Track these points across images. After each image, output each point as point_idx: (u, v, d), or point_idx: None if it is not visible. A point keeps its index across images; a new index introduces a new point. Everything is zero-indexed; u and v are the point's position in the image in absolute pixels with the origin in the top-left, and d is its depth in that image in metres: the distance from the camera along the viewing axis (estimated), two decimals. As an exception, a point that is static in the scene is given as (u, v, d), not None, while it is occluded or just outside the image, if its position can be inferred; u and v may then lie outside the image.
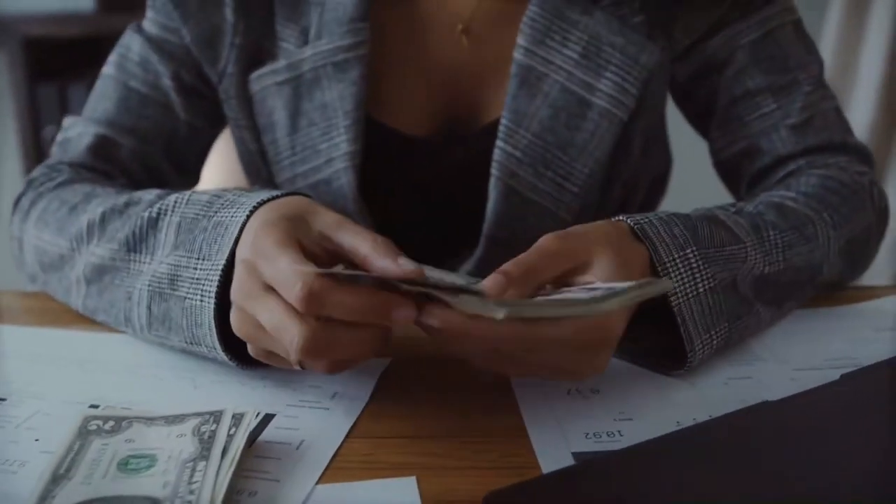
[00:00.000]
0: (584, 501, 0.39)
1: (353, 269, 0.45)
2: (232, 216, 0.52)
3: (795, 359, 0.56)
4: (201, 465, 0.41)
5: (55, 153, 0.76)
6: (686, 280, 0.52)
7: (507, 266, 0.46)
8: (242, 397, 0.52)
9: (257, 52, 0.73)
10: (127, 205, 0.60)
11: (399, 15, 0.74)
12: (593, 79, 0.69)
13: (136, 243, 0.57)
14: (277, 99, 0.73)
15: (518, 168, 0.70)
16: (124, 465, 0.42)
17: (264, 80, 0.73)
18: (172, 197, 0.57)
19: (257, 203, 0.52)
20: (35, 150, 1.74)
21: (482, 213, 0.72)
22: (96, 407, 0.50)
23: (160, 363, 0.56)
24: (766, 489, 0.40)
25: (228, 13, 0.72)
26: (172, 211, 0.56)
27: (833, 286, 0.68)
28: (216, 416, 0.45)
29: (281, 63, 0.72)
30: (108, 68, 0.76)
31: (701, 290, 0.52)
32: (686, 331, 0.52)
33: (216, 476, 0.40)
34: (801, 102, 0.72)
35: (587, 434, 0.47)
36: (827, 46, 1.96)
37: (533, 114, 0.70)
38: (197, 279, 0.52)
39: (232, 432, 0.44)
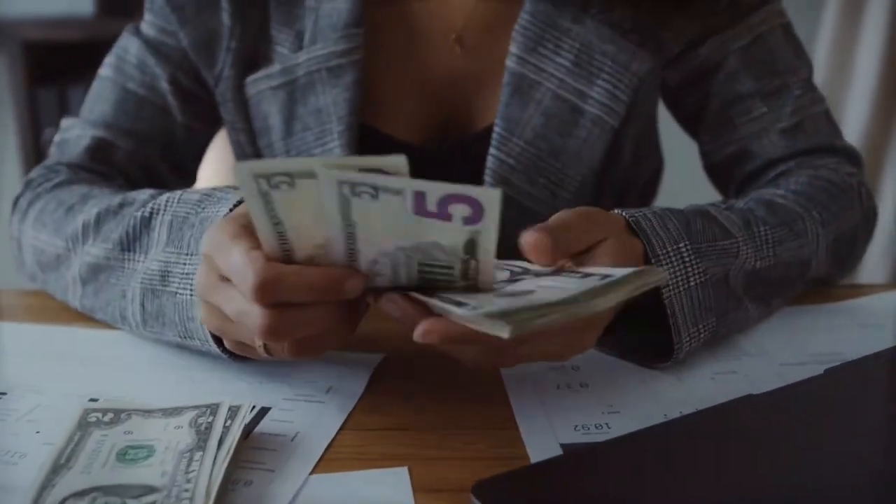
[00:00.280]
0: (571, 490, 0.40)
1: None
2: (217, 211, 0.53)
3: (781, 354, 0.58)
4: (198, 455, 0.42)
5: (53, 154, 0.77)
6: (678, 273, 0.53)
7: (547, 225, 0.47)
8: (239, 392, 0.53)
9: (253, 56, 0.74)
10: (121, 205, 0.61)
11: (393, 22, 0.75)
12: (585, 86, 0.70)
13: (130, 243, 0.58)
14: (272, 103, 0.74)
15: (511, 175, 0.71)
16: (123, 456, 0.43)
17: (259, 84, 0.74)
18: (164, 196, 0.58)
19: (241, 198, 0.53)
20: (35, 153, 1.75)
21: None
22: (95, 401, 0.51)
23: (158, 359, 0.57)
24: (749, 479, 0.41)
25: (225, 17, 0.73)
26: (164, 210, 0.57)
27: (821, 283, 0.69)
28: (212, 408, 0.46)
29: (276, 67, 0.73)
30: (106, 70, 0.77)
31: (692, 283, 0.53)
32: (675, 323, 0.53)
33: (212, 466, 0.41)
34: (791, 106, 0.73)
35: (575, 426, 0.48)
36: (822, 47, 1.97)
37: (526, 121, 0.71)
38: (186, 274, 0.53)
39: (228, 424, 0.45)
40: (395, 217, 0.41)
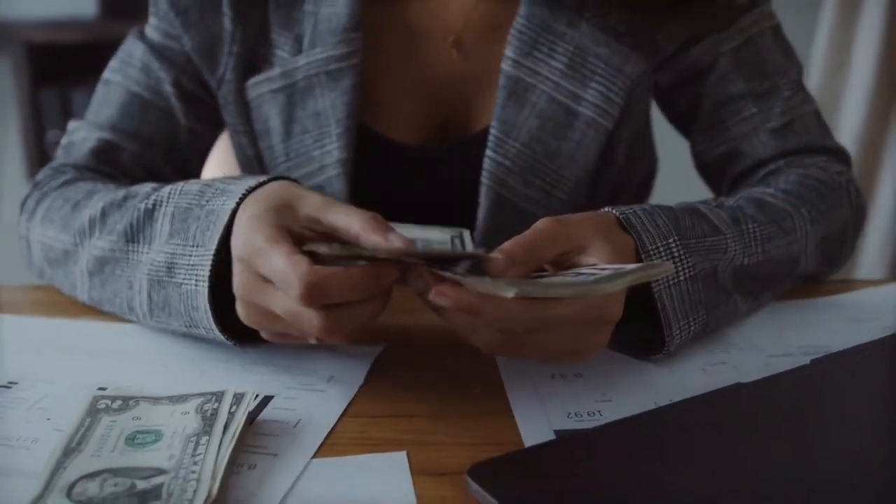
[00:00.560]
0: (563, 472, 0.42)
1: (346, 246, 0.48)
2: (222, 204, 0.55)
3: (770, 346, 0.59)
4: (204, 439, 0.44)
5: (59, 156, 0.78)
6: None
7: (507, 245, 0.48)
8: (243, 382, 0.54)
9: (254, 60, 0.76)
10: (125, 198, 0.63)
11: (392, 23, 0.77)
12: (579, 89, 0.72)
13: (134, 234, 0.60)
14: (272, 106, 0.75)
15: (507, 177, 0.73)
16: (132, 440, 0.44)
17: (260, 87, 0.76)
18: (166, 188, 0.60)
19: (245, 191, 0.54)
20: (38, 154, 1.77)
21: (474, 220, 0.74)
22: (104, 390, 0.53)
23: (164, 350, 0.59)
24: (736, 463, 0.42)
25: (227, 22, 0.74)
26: (167, 202, 0.59)
27: (810, 279, 0.71)
28: (218, 395, 0.48)
29: (276, 71, 0.75)
30: (111, 73, 0.79)
31: (682, 277, 0.55)
32: (665, 317, 0.54)
33: (218, 449, 0.43)
34: (780, 107, 0.75)
35: (569, 414, 0.50)
36: (820, 46, 1.99)
37: (521, 124, 0.72)
38: (192, 265, 0.55)
39: (233, 410, 0.46)
40: None
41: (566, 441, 0.46)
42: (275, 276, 0.47)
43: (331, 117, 0.73)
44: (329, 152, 0.73)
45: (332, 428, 0.48)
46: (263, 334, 0.52)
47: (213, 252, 0.53)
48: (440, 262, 0.48)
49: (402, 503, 0.41)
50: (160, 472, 0.41)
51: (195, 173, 0.83)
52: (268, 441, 0.47)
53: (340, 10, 0.72)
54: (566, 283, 0.44)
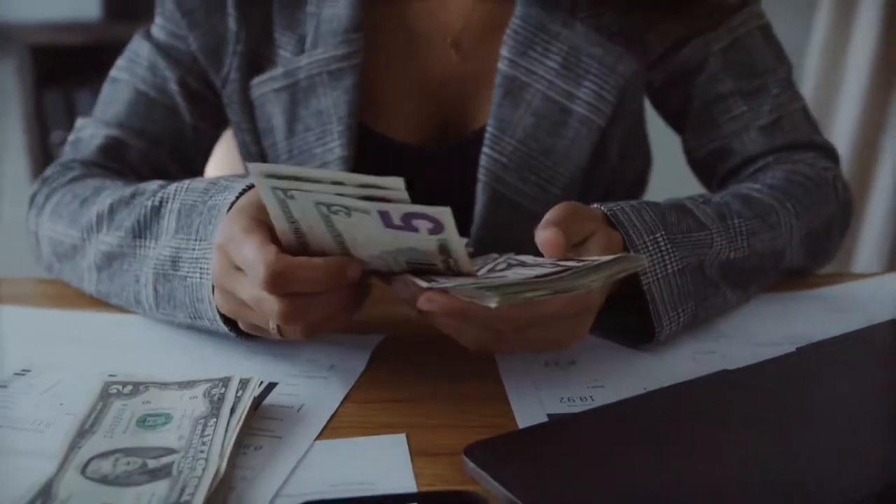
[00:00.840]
0: (555, 451, 0.44)
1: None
2: (224, 199, 0.57)
3: (757, 336, 0.61)
4: (212, 421, 0.46)
5: (67, 152, 0.80)
6: (656, 261, 0.56)
7: (555, 219, 0.50)
8: (247, 370, 0.55)
9: (257, 60, 0.78)
10: (132, 195, 0.64)
11: (392, 23, 0.79)
12: (573, 88, 0.74)
13: (142, 230, 0.62)
14: (276, 105, 0.77)
15: (504, 173, 0.75)
16: (142, 422, 0.46)
17: (264, 86, 0.78)
18: (173, 186, 0.62)
19: (245, 187, 0.56)
20: (42, 154, 1.79)
21: (471, 215, 0.76)
22: (114, 377, 0.54)
23: (170, 341, 0.61)
24: (722, 445, 0.44)
25: (231, 22, 0.76)
26: (173, 199, 0.61)
27: (797, 273, 0.73)
28: (224, 381, 0.50)
29: (279, 70, 0.77)
30: (118, 72, 0.81)
31: (669, 270, 0.57)
32: (655, 308, 0.56)
33: (225, 431, 0.45)
34: (769, 105, 0.77)
35: (562, 398, 0.52)
36: (815, 46, 2.01)
37: (517, 121, 0.74)
38: (195, 259, 0.57)
39: (239, 394, 0.48)
40: (371, 229, 0.46)
41: (558, 423, 0.48)
42: (245, 264, 0.49)
43: (332, 116, 0.75)
44: (331, 150, 0.75)
45: (334, 412, 0.50)
46: (241, 325, 0.54)
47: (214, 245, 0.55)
48: (422, 270, 0.49)
49: (402, 481, 0.43)
50: (170, 451, 0.43)
51: (199, 170, 0.85)
52: (272, 424, 0.49)
53: (342, 11, 0.74)
54: (545, 282, 0.44)
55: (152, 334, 0.62)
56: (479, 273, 0.49)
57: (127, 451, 0.43)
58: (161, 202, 0.61)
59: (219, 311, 0.55)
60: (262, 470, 0.44)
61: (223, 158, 1.01)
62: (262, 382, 0.53)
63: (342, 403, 0.52)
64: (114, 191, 0.67)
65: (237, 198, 0.56)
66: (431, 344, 0.58)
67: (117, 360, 0.58)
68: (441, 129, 0.80)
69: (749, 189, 0.69)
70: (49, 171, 0.77)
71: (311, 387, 0.54)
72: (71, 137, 0.81)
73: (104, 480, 0.41)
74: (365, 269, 0.50)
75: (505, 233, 0.75)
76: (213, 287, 0.55)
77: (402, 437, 0.47)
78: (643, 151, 0.94)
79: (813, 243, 0.71)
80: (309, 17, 0.76)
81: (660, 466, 0.42)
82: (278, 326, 0.51)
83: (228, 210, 0.55)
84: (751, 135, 0.77)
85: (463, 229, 0.76)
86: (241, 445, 0.46)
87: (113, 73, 0.81)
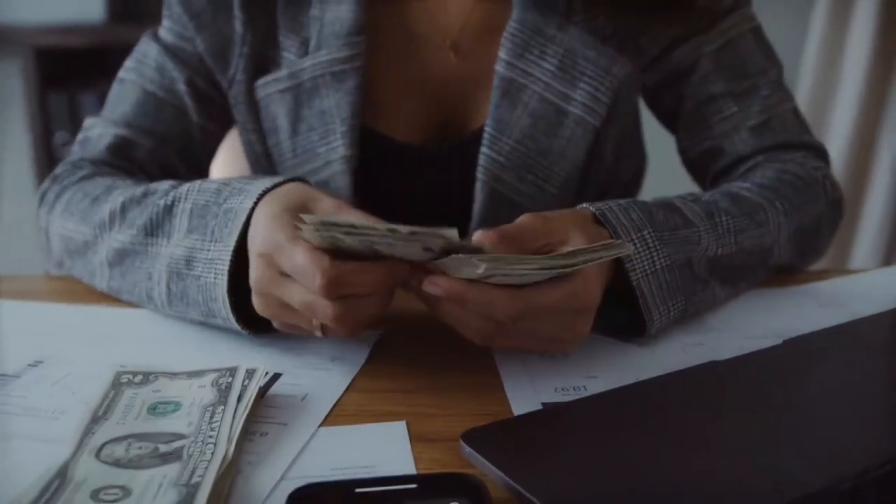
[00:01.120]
0: (548, 437, 0.46)
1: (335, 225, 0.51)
2: (240, 203, 0.59)
3: (746, 329, 0.63)
4: (220, 409, 0.48)
5: (76, 151, 0.82)
6: (644, 258, 0.58)
7: (495, 233, 0.52)
8: (253, 361, 0.57)
9: (262, 61, 0.80)
10: (144, 195, 0.66)
11: (393, 23, 0.80)
12: (569, 89, 0.76)
13: (154, 229, 0.64)
14: (280, 105, 0.79)
15: (502, 172, 0.77)
16: (153, 410, 0.48)
17: (268, 87, 0.80)
18: (184, 186, 0.64)
19: (262, 191, 0.58)
20: (46, 155, 1.81)
21: (470, 214, 0.78)
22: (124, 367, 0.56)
23: (179, 334, 0.63)
24: (710, 432, 0.46)
25: (238, 24, 0.78)
26: (185, 199, 0.63)
27: (786, 270, 0.75)
28: (231, 371, 0.52)
29: (283, 72, 0.79)
30: (126, 73, 0.82)
31: (658, 266, 0.59)
32: (645, 303, 0.58)
33: (233, 417, 0.47)
34: (759, 106, 0.79)
35: (556, 388, 0.54)
36: (812, 45, 2.03)
37: (514, 122, 0.76)
38: (210, 259, 0.59)
39: (245, 383, 0.50)
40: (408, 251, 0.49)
41: (552, 410, 0.50)
42: (297, 271, 0.51)
43: (335, 116, 0.77)
44: (334, 149, 0.77)
45: (337, 401, 0.52)
46: (275, 324, 0.56)
47: (232, 248, 0.57)
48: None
49: (402, 465, 0.45)
50: (180, 436, 0.45)
51: (205, 169, 0.87)
52: (277, 412, 0.51)
53: (345, 14, 0.76)
54: (533, 260, 0.47)
55: (162, 328, 0.64)
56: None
57: (139, 437, 0.46)
58: (173, 202, 0.63)
59: (233, 310, 0.57)
60: (267, 454, 0.46)
61: (225, 158, 1.03)
62: (267, 373, 0.55)
63: (344, 393, 0.54)
64: (125, 189, 0.69)
65: (255, 203, 0.57)
66: (430, 339, 0.60)
67: (127, 353, 0.59)
68: (441, 130, 0.81)
69: (738, 188, 0.71)
70: (59, 170, 0.79)
71: (315, 377, 0.56)
72: (79, 136, 0.83)
73: (118, 463, 0.43)
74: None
75: None
76: (228, 287, 0.57)
77: (402, 424, 0.49)
78: (638, 151, 0.96)
79: (802, 241, 0.73)
80: (312, 21, 0.78)
81: (650, 452, 0.44)
82: (322, 326, 0.53)
83: (247, 216, 0.57)
84: (741, 135, 0.79)
85: (462, 227, 0.78)
86: (247, 432, 0.48)
87: (121, 74, 0.83)
